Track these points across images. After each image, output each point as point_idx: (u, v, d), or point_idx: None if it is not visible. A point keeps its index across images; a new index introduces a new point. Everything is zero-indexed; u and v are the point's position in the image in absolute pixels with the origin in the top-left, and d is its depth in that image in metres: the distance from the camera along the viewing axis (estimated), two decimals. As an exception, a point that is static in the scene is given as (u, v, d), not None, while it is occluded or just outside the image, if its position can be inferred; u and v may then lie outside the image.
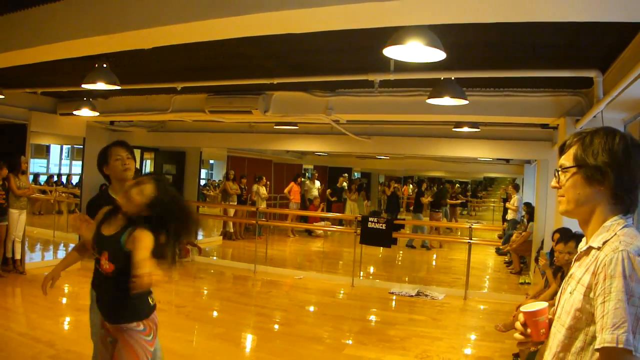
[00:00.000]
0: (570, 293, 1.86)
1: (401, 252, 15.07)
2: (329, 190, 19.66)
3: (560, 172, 1.93)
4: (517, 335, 2.05)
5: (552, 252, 5.84)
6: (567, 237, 5.16)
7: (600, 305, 1.67)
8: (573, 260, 1.98)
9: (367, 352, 6.39)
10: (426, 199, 16.64)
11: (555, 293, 5.18)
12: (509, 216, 14.71)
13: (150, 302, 3.35)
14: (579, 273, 1.86)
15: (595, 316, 1.70)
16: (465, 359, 6.41)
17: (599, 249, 1.78)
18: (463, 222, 21.22)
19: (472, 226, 10.98)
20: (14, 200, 9.08)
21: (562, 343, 1.83)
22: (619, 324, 1.61)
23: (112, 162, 3.84)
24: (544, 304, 2.00)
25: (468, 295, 9.50)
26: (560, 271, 5.39)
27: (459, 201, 16.67)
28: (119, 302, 3.22)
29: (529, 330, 2.00)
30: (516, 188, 15.21)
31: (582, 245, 1.94)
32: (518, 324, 2.04)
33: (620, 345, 1.60)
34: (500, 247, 13.60)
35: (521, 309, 2.03)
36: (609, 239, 1.77)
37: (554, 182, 1.96)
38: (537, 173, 11.96)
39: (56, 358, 5.60)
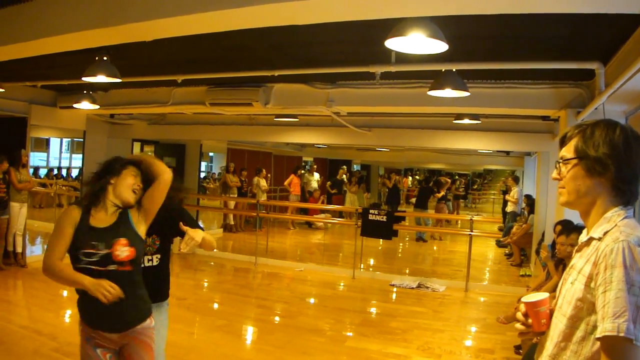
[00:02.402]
0: (572, 283, 1.87)
1: (401, 244, 15.11)
2: (328, 182, 19.65)
3: (561, 164, 1.93)
4: (518, 325, 2.06)
5: (553, 244, 5.85)
6: (569, 229, 5.16)
7: (602, 295, 1.68)
8: (574, 251, 1.99)
9: (369, 344, 6.41)
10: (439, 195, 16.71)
11: (557, 285, 5.19)
12: (509, 208, 14.71)
13: None
14: (579, 264, 1.87)
15: (596, 306, 1.71)
16: (466, 351, 6.43)
17: (599, 239, 1.79)
18: (464, 214, 21.23)
19: (473, 218, 10.98)
20: (15, 194, 9.09)
21: (563, 333, 1.84)
22: (619, 313, 1.62)
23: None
24: (545, 295, 2.00)
25: (469, 287, 9.52)
26: (561, 263, 5.40)
27: (440, 194, 16.62)
28: (139, 299, 3.16)
29: (530, 321, 2.01)
30: (516, 180, 15.20)
31: (583, 236, 1.95)
32: (519, 315, 2.05)
33: (621, 334, 1.61)
34: (501, 239, 13.61)
35: (522, 299, 2.04)
36: (609, 230, 1.78)
37: (554, 174, 1.97)
38: (537, 165, 11.95)
39: (58, 351, 5.61)
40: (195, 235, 3.29)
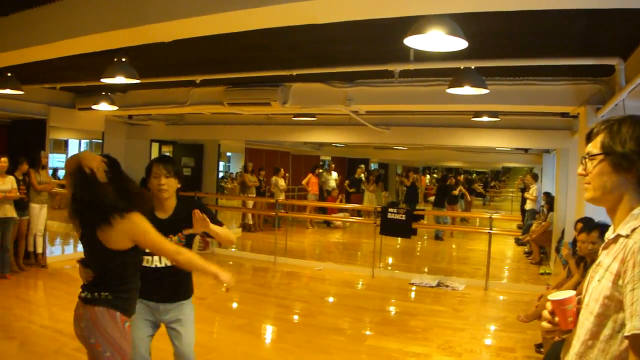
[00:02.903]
0: (599, 281, 1.84)
1: (419, 242, 15.06)
2: (347, 181, 19.62)
3: (587, 160, 1.91)
4: (544, 323, 2.04)
5: (574, 242, 5.80)
6: (590, 226, 5.12)
7: (630, 292, 1.65)
8: (600, 248, 1.96)
9: (389, 343, 6.40)
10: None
11: (578, 283, 5.15)
12: (528, 206, 14.58)
13: None
14: (607, 261, 1.84)
15: (625, 303, 1.68)
16: (487, 349, 6.40)
17: (627, 236, 1.76)
18: (482, 212, 21.11)
19: (492, 216, 10.92)
20: (35, 195, 9.17)
21: (590, 331, 1.82)
22: None
23: (151, 179, 3.74)
24: (572, 292, 1.98)
25: (488, 286, 9.47)
26: (583, 261, 5.36)
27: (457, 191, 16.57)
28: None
29: (556, 319, 1.99)
30: (535, 178, 15.08)
31: (610, 234, 1.92)
32: (546, 313, 2.03)
33: None
34: (520, 237, 13.53)
35: (549, 297, 2.02)
36: (637, 227, 1.75)
37: (580, 170, 1.95)
38: (556, 162, 11.84)
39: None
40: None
